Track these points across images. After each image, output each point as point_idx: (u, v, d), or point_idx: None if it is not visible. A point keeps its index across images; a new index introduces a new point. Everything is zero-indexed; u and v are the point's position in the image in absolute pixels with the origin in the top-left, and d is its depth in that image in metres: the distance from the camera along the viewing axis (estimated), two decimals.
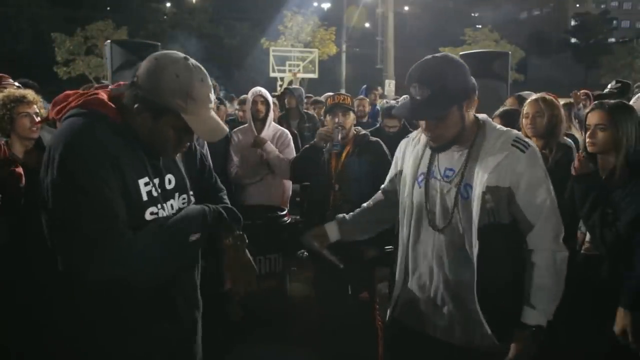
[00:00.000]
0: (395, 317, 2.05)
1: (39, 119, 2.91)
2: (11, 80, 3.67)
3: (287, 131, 4.21)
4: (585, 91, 6.89)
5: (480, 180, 1.75)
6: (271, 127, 4.07)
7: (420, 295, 1.93)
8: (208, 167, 1.92)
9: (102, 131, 1.48)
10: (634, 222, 2.24)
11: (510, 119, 3.19)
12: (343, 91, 5.99)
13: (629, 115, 2.40)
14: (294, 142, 4.22)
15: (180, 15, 37.42)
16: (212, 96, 1.58)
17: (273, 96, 5.24)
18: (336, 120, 3.27)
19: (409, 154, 2.02)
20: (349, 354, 3.22)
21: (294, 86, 10.38)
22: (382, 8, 22.80)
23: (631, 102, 3.25)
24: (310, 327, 3.51)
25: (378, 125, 4.84)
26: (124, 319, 1.58)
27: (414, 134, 2.08)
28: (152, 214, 1.54)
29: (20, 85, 3.73)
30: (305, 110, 6.48)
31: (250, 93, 4.11)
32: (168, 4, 39.33)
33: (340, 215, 2.20)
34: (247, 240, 1.74)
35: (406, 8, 34.60)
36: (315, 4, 31.33)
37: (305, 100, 7.18)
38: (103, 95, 1.56)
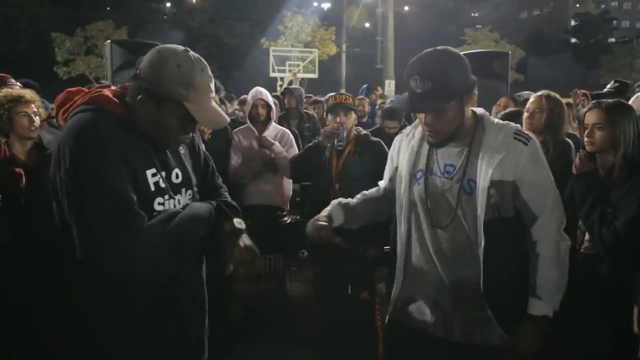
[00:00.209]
0: (394, 317, 2.02)
1: (37, 118, 2.90)
2: (13, 81, 3.67)
3: (288, 131, 4.20)
4: (584, 91, 6.89)
5: (484, 175, 1.74)
6: (272, 128, 4.07)
7: (421, 294, 1.91)
8: (212, 167, 1.96)
9: (109, 125, 1.52)
10: (632, 221, 2.24)
11: (513, 121, 3.18)
12: (343, 91, 6.00)
13: (627, 114, 2.40)
14: (295, 142, 4.21)
15: (180, 15, 37.45)
16: (213, 86, 1.62)
17: (274, 96, 5.23)
18: (338, 119, 3.27)
19: (403, 149, 1.99)
20: (349, 354, 3.22)
21: (293, 86, 10.37)
22: (382, 8, 22.79)
23: (630, 102, 3.24)
24: (310, 327, 3.51)
25: (378, 125, 4.84)
26: (130, 318, 1.59)
27: (407, 129, 2.04)
28: (159, 204, 1.58)
29: (22, 85, 3.73)
30: (305, 110, 6.48)
31: (250, 95, 4.08)
32: (168, 4, 39.36)
33: (344, 200, 2.11)
34: (245, 226, 1.76)
35: (406, 8, 34.62)
36: (315, 4, 31.36)
37: (305, 100, 7.18)
38: (108, 92, 1.61)
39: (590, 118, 2.45)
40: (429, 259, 1.87)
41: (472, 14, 55.08)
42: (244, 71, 29.59)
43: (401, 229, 1.94)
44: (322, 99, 7.33)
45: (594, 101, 2.63)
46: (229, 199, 1.89)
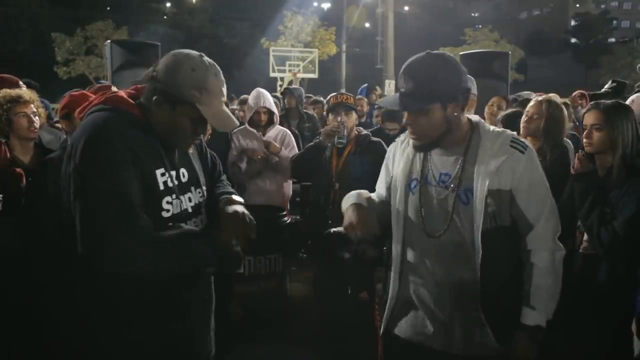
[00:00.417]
0: (390, 330, 1.96)
1: (37, 118, 2.90)
2: (21, 83, 3.66)
3: (289, 132, 4.20)
4: (581, 91, 6.89)
5: (481, 184, 1.71)
6: (273, 129, 4.07)
7: (417, 306, 1.86)
8: (219, 169, 2.03)
9: (122, 124, 1.58)
10: (630, 221, 2.24)
11: (513, 122, 3.18)
12: (343, 91, 5.99)
13: (625, 115, 2.41)
14: (295, 142, 4.21)
15: (180, 15, 37.46)
16: (225, 90, 1.69)
17: (273, 96, 5.23)
18: (339, 119, 3.28)
19: (398, 158, 1.94)
20: (349, 354, 3.23)
21: (293, 86, 10.38)
22: (382, 8, 22.79)
23: (627, 102, 3.23)
24: (310, 327, 3.51)
25: (378, 125, 4.84)
26: (133, 317, 1.62)
27: (402, 137, 1.98)
28: (168, 202, 1.63)
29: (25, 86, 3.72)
30: (305, 110, 6.49)
31: (252, 101, 4.06)
32: (168, 4, 39.37)
33: (366, 194, 1.94)
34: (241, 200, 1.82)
35: (406, 8, 34.62)
36: (315, 4, 31.36)
37: (305, 100, 7.18)
38: (123, 93, 1.68)
39: (589, 119, 2.46)
40: (424, 269, 1.82)
41: (472, 14, 55.11)
42: (244, 71, 29.58)
43: (396, 239, 1.89)
44: (322, 99, 7.33)
45: (592, 102, 2.64)
46: (229, 188, 1.97)
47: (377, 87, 7.73)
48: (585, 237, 2.50)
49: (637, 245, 2.25)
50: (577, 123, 4.32)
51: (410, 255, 1.86)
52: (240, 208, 1.77)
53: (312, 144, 3.47)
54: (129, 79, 5.35)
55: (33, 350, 2.72)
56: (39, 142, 3.05)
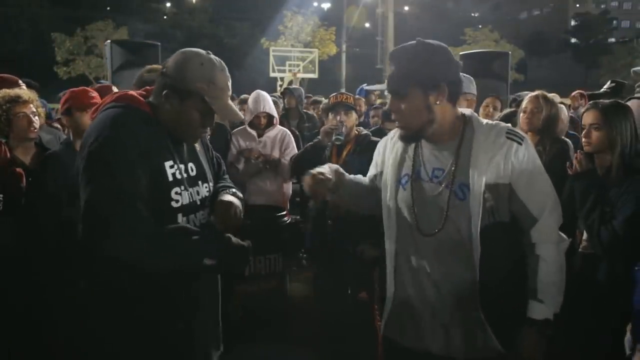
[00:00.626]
0: (388, 334, 1.90)
1: (37, 118, 2.89)
2: (21, 82, 3.66)
3: (288, 132, 4.21)
4: (580, 91, 6.91)
5: (477, 179, 1.65)
6: (273, 129, 4.08)
7: (415, 308, 1.79)
8: (223, 169, 2.12)
9: (132, 121, 1.67)
10: (629, 220, 2.24)
11: (510, 123, 3.19)
12: (343, 91, 5.99)
13: (623, 114, 2.41)
14: (295, 142, 4.22)
15: (180, 15, 37.49)
16: (230, 85, 1.78)
17: (273, 96, 5.23)
18: (338, 118, 3.27)
19: (388, 153, 1.89)
20: (349, 354, 3.22)
21: (293, 86, 10.38)
22: (382, 8, 22.81)
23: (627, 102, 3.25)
24: (310, 327, 3.51)
25: (377, 126, 4.85)
26: (145, 312, 1.68)
27: (392, 132, 1.94)
28: (177, 193, 1.71)
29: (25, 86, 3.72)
30: (305, 110, 6.50)
31: (252, 104, 4.06)
32: (168, 4, 39.39)
33: (341, 169, 1.99)
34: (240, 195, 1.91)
35: (406, 8, 34.62)
36: (315, 4, 31.36)
37: (305, 100, 7.19)
38: (134, 93, 1.78)
39: (587, 119, 2.46)
40: (421, 269, 1.76)
41: (472, 14, 55.10)
42: (244, 71, 29.56)
43: (389, 239, 1.85)
44: (324, 99, 7.33)
45: (590, 102, 2.64)
46: (230, 183, 2.05)
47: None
48: (585, 236, 2.50)
49: (636, 244, 2.25)
50: (574, 123, 4.33)
51: (404, 254, 1.81)
52: (233, 199, 1.84)
53: (311, 143, 3.47)
54: (129, 79, 5.33)
55: (33, 350, 2.72)
56: (39, 142, 3.05)
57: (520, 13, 62.51)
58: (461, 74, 1.77)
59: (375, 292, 3.08)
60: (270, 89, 15.92)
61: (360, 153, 3.31)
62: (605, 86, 5.28)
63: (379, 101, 8.84)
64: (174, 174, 1.71)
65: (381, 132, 4.33)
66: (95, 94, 2.90)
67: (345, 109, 3.30)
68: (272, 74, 22.81)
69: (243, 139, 4.03)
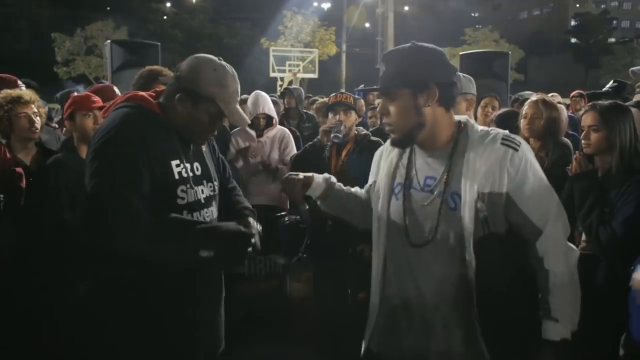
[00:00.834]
0: (372, 348, 1.81)
1: (38, 119, 2.89)
2: (21, 83, 3.66)
3: (288, 131, 4.21)
4: (580, 91, 6.90)
5: (469, 187, 1.56)
6: (272, 129, 4.08)
7: (402, 324, 1.70)
8: (228, 171, 2.20)
9: (141, 120, 1.75)
10: (628, 221, 2.24)
11: (506, 122, 3.18)
12: (343, 91, 5.94)
13: (622, 115, 2.40)
14: (295, 143, 4.22)
15: (180, 15, 37.49)
16: (239, 91, 1.88)
17: (272, 96, 5.23)
18: (337, 117, 3.27)
19: (383, 162, 1.83)
20: (349, 354, 3.22)
21: (293, 86, 10.38)
22: (382, 8, 22.81)
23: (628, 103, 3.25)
24: (310, 327, 3.51)
25: (377, 127, 4.85)
26: (148, 306, 1.73)
27: (388, 142, 1.85)
28: (182, 191, 1.78)
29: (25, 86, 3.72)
30: (305, 110, 6.49)
31: (251, 105, 4.06)
32: (168, 4, 39.39)
33: (333, 179, 1.95)
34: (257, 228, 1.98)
35: (406, 8, 34.60)
36: (315, 4, 31.35)
37: (305, 100, 7.18)
38: (144, 94, 1.87)
39: (586, 120, 2.47)
40: (409, 282, 1.67)
41: (472, 14, 55.10)
42: (244, 71, 29.47)
43: (376, 247, 1.77)
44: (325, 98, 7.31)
45: (589, 103, 2.64)
46: (246, 202, 2.14)
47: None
48: (584, 237, 2.50)
49: (635, 244, 2.25)
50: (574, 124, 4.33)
51: (392, 265, 1.72)
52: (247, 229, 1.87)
53: (310, 143, 3.47)
54: (129, 79, 5.32)
55: (33, 350, 2.72)
56: (40, 142, 3.05)
57: (520, 13, 62.51)
58: (461, 74, 1.73)
59: None
60: (270, 89, 15.92)
61: (359, 153, 3.31)
62: (608, 85, 5.27)
63: (377, 101, 8.83)
64: (180, 173, 1.78)
65: (380, 132, 4.33)
66: (97, 98, 2.89)
67: (345, 108, 3.30)
68: (272, 74, 22.81)
69: (242, 139, 4.03)
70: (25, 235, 2.72)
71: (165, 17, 38.10)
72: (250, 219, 2.01)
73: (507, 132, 1.65)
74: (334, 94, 3.56)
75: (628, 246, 2.24)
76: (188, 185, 1.80)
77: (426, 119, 1.62)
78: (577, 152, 2.60)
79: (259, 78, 19.98)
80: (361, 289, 3.57)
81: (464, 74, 3.54)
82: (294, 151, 4.00)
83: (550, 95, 3.91)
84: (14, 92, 2.89)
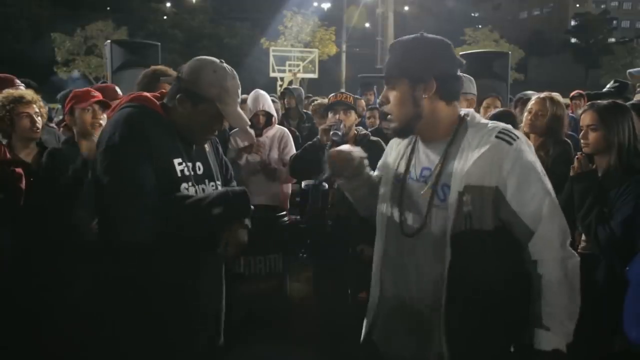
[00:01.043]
0: (371, 339, 1.80)
1: (40, 119, 2.90)
2: (19, 82, 3.66)
3: (287, 131, 4.20)
4: (579, 91, 6.89)
5: (458, 179, 1.54)
6: (272, 128, 4.07)
7: (393, 313, 1.71)
8: (230, 173, 2.23)
9: (145, 120, 1.80)
10: (627, 221, 2.24)
11: (504, 121, 3.18)
12: (343, 90, 5.91)
13: (621, 115, 2.40)
14: (294, 143, 4.21)
15: (180, 15, 37.47)
16: (240, 93, 1.91)
17: (271, 96, 5.23)
18: (337, 117, 3.27)
19: (391, 153, 1.84)
20: (348, 354, 3.22)
21: (293, 86, 10.38)
22: (382, 8, 22.82)
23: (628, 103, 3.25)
24: (310, 327, 3.51)
25: (376, 127, 4.85)
26: (149, 302, 1.78)
27: None
28: (185, 189, 1.84)
29: (25, 87, 3.72)
30: (305, 110, 6.49)
31: (251, 103, 4.06)
32: (168, 4, 39.38)
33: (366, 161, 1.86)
34: (249, 226, 2.00)
35: (406, 8, 34.60)
36: (315, 4, 31.34)
37: (305, 101, 7.18)
38: (149, 95, 1.92)
39: (585, 120, 2.47)
40: (401, 271, 1.67)
41: (472, 14, 55.10)
42: (244, 71, 29.42)
43: (379, 238, 1.77)
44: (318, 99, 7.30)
45: (589, 102, 2.65)
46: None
47: (374, 87, 7.69)
48: (583, 237, 2.50)
49: (633, 244, 2.25)
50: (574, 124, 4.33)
51: (389, 255, 1.73)
52: (243, 237, 1.95)
53: (310, 142, 3.47)
54: (129, 79, 5.34)
55: (33, 350, 2.72)
56: (40, 142, 3.05)
57: (520, 13, 62.49)
58: (461, 73, 1.73)
59: None
60: (270, 89, 15.89)
61: None
62: (609, 85, 5.27)
63: (378, 101, 8.79)
64: (182, 171, 1.84)
65: (379, 132, 4.33)
66: (97, 93, 2.90)
67: (345, 108, 3.30)
68: (272, 74, 22.80)
69: (241, 139, 4.03)
70: (26, 235, 2.72)
71: (165, 17, 38.07)
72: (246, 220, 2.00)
73: (508, 126, 1.61)
74: (333, 93, 3.56)
75: (626, 246, 2.24)
76: (190, 183, 1.85)
77: (424, 110, 1.62)
78: (578, 152, 2.60)
79: (259, 78, 19.94)
80: (361, 289, 3.57)
81: (464, 74, 3.54)
82: (293, 151, 3.99)
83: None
84: (16, 92, 2.90)
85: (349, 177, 1.81)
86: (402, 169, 1.74)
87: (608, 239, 2.28)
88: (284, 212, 3.84)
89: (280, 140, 4.03)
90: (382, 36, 22.55)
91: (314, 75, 23.63)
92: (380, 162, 1.93)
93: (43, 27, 30.67)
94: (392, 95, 1.66)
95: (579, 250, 2.57)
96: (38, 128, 2.89)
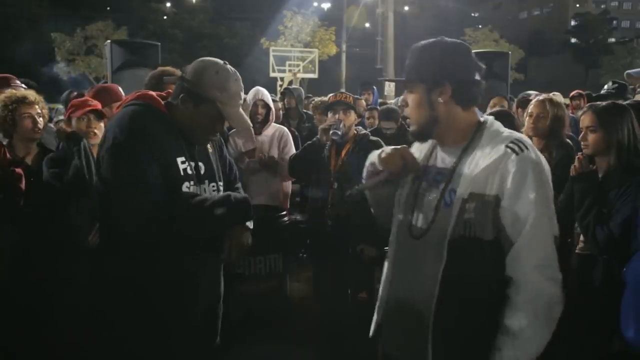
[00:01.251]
0: (378, 337, 1.82)
1: (41, 119, 2.91)
2: (18, 82, 3.66)
3: (287, 130, 4.20)
4: (579, 91, 6.90)
5: (465, 186, 1.54)
6: (270, 127, 4.07)
7: (395, 312, 1.73)
8: (235, 174, 2.25)
9: (149, 118, 1.84)
10: (626, 222, 2.24)
11: (501, 121, 3.19)
12: (343, 90, 5.88)
13: (620, 116, 2.41)
14: (294, 143, 4.21)
15: (180, 15, 37.43)
16: (242, 95, 1.95)
17: (272, 97, 5.22)
18: (336, 116, 3.27)
19: (414, 154, 1.82)
20: (349, 354, 3.23)
21: (293, 86, 10.38)
22: (382, 8, 22.80)
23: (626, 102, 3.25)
24: (310, 327, 3.51)
25: (375, 127, 4.85)
26: (147, 301, 1.81)
27: None
28: (187, 187, 1.86)
29: (26, 86, 3.73)
30: (305, 111, 6.49)
31: (250, 95, 4.08)
32: (168, 4, 39.35)
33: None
34: (250, 229, 2.02)
35: (406, 8, 34.58)
36: (315, 4, 31.32)
37: (305, 101, 7.18)
38: (154, 94, 1.95)
39: (584, 121, 2.48)
40: (407, 273, 1.69)
41: (472, 14, 55.11)
42: (244, 71, 29.28)
43: (392, 239, 1.78)
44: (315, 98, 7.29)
45: (588, 104, 2.66)
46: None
47: (373, 87, 7.68)
48: (582, 237, 2.50)
49: (632, 245, 2.24)
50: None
51: (399, 255, 1.74)
52: (247, 240, 1.98)
53: (310, 142, 3.47)
54: (129, 78, 5.34)
55: (34, 350, 2.72)
56: (40, 142, 3.06)
57: (520, 13, 62.48)
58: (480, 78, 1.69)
59: (376, 291, 3.08)
60: (270, 89, 15.87)
61: (359, 153, 3.30)
62: (607, 87, 5.26)
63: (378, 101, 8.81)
64: (185, 169, 1.87)
65: (379, 133, 4.33)
66: (93, 102, 2.98)
67: (345, 107, 3.30)
68: (272, 74, 22.78)
69: (241, 139, 4.02)
70: (26, 234, 2.72)
71: (165, 17, 38.02)
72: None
73: (523, 137, 1.59)
74: (333, 93, 3.56)
75: (624, 247, 2.24)
76: (192, 182, 1.88)
77: (440, 114, 1.63)
78: (579, 153, 2.60)
79: (259, 78, 19.90)
80: (361, 289, 3.58)
81: None
82: (293, 150, 3.99)
83: (552, 94, 3.93)
84: (19, 92, 2.93)
85: (402, 177, 1.75)
86: (419, 172, 1.74)
87: (606, 240, 2.28)
88: (284, 212, 3.84)
89: (280, 139, 4.03)
90: (382, 36, 22.54)
91: (314, 75, 23.61)
92: None
93: (43, 27, 30.64)
94: (410, 99, 1.68)
95: (577, 251, 2.57)
96: (39, 129, 2.90)
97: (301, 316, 3.73)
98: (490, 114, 3.43)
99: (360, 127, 3.53)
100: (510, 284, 1.49)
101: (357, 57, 32.33)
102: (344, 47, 26.25)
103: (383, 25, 22.45)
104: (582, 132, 2.48)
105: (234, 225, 1.93)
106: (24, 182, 2.73)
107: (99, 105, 2.93)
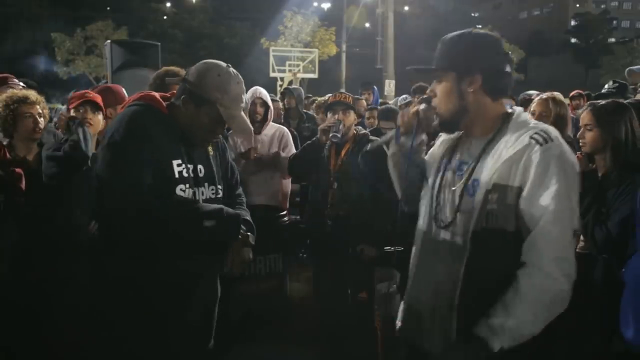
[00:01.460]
0: (400, 331, 1.83)
1: (42, 119, 2.92)
2: (16, 80, 3.67)
3: (286, 130, 4.20)
4: (579, 91, 6.90)
5: (488, 177, 1.54)
6: (270, 127, 4.07)
7: (419, 301, 1.73)
8: (236, 178, 2.24)
9: (149, 119, 1.85)
10: (624, 221, 2.24)
11: None
12: (343, 90, 5.84)
13: (618, 115, 2.40)
14: (293, 143, 4.21)
15: (180, 15, 37.42)
16: (244, 98, 1.96)
17: (271, 97, 5.22)
18: (336, 117, 3.27)
19: (441, 145, 1.84)
20: (348, 354, 3.23)
21: (293, 86, 10.38)
22: (382, 8, 22.78)
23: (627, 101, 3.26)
24: (310, 327, 3.51)
25: (374, 127, 4.85)
26: (145, 302, 1.82)
27: None
28: (181, 190, 1.86)
29: (24, 85, 3.73)
30: (305, 111, 6.49)
31: (249, 94, 4.08)
32: (168, 4, 39.33)
33: None
34: (253, 243, 2.04)
35: (406, 8, 34.52)
36: (315, 4, 31.31)
37: (305, 101, 7.18)
38: (156, 95, 1.97)
39: (583, 120, 2.49)
40: (430, 262, 1.70)
41: (472, 14, 55.11)
42: (244, 71, 29.27)
43: (418, 229, 1.78)
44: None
45: (588, 102, 2.66)
46: (248, 215, 2.17)
47: (375, 87, 7.66)
48: (582, 236, 2.50)
49: (630, 245, 2.24)
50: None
51: (425, 247, 1.74)
52: (248, 249, 2.01)
53: (309, 142, 3.47)
54: (129, 79, 5.34)
55: (34, 350, 2.72)
56: (40, 142, 3.06)
57: (520, 13, 62.46)
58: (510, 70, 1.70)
59: (375, 291, 3.08)
60: (270, 89, 15.88)
61: (359, 152, 3.31)
62: (609, 86, 5.26)
63: (379, 100, 8.78)
64: (180, 172, 1.86)
65: (378, 133, 4.33)
66: (92, 94, 3.00)
67: (344, 108, 3.30)
68: (272, 74, 22.77)
69: (240, 139, 4.02)
70: (26, 234, 2.72)
71: (165, 17, 38.01)
72: (249, 235, 2.03)
73: (549, 128, 1.58)
74: (332, 93, 3.56)
75: (622, 246, 2.25)
76: (187, 185, 1.87)
77: (469, 104, 1.63)
78: (578, 152, 2.60)
79: (259, 78, 19.89)
80: (361, 289, 3.58)
81: None
82: (293, 150, 3.99)
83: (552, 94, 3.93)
84: (20, 92, 2.94)
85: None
86: (445, 160, 1.75)
87: (604, 239, 2.28)
88: (284, 212, 3.84)
89: (280, 139, 4.02)
90: (382, 36, 22.51)
91: (314, 75, 23.60)
92: (428, 154, 1.91)
93: (43, 27, 30.63)
94: (439, 89, 1.68)
95: (577, 250, 2.56)
96: (40, 129, 2.91)
97: (301, 316, 3.73)
98: None
99: (360, 127, 3.53)
100: (521, 269, 1.48)
101: (357, 57, 32.30)
102: (344, 47, 26.23)
103: (383, 25, 22.42)
104: (581, 130, 2.49)
105: (222, 239, 1.94)
106: (24, 182, 2.73)
107: (97, 98, 2.93)
